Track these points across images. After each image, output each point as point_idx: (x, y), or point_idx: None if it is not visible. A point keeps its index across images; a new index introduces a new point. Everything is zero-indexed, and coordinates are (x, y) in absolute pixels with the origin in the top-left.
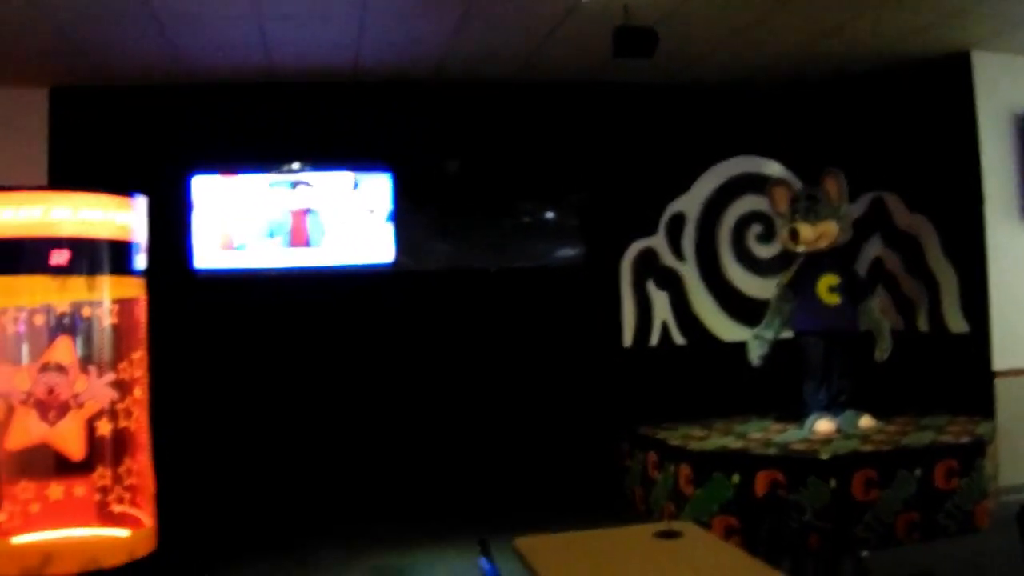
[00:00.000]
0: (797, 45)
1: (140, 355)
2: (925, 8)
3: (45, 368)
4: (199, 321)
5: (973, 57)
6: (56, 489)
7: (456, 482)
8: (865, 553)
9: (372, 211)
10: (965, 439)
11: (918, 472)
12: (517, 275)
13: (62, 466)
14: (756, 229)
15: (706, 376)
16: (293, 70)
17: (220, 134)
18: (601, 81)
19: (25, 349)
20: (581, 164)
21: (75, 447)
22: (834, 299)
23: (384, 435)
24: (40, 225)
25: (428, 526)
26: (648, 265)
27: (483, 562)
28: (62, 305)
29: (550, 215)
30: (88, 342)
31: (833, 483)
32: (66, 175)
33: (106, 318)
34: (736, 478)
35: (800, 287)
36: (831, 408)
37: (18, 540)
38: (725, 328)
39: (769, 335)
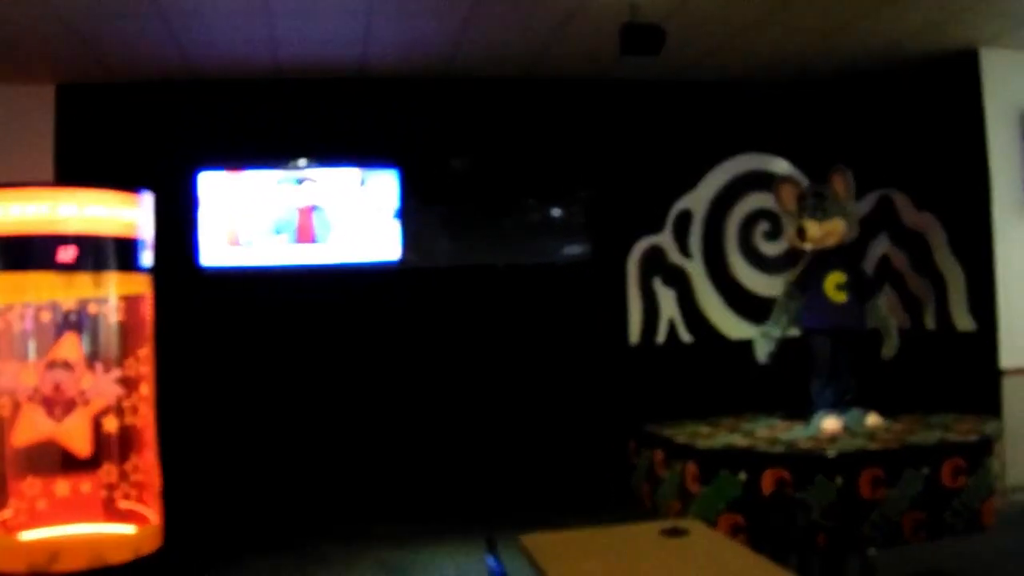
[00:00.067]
0: (804, 42)
1: (146, 352)
2: (933, 5)
3: (52, 365)
4: (205, 318)
5: (981, 54)
6: (63, 485)
7: (463, 479)
8: (872, 551)
9: (379, 208)
10: (972, 437)
11: (925, 470)
12: (524, 272)
13: (69, 463)
14: (763, 227)
15: (713, 374)
16: (300, 66)
17: (227, 131)
18: (608, 78)
19: (32, 346)
20: (588, 161)
21: (81, 444)
22: (841, 297)
23: (389, 432)
24: (47, 222)
25: (434, 523)
26: (655, 262)
27: (490, 559)
28: (69, 302)
29: (557, 212)
30: (95, 339)
31: (840, 481)
32: (73, 172)
33: (112, 315)
34: (743, 476)
35: (807, 285)
36: (838, 406)
37: (25, 536)
38: (732, 326)
39: (776, 333)
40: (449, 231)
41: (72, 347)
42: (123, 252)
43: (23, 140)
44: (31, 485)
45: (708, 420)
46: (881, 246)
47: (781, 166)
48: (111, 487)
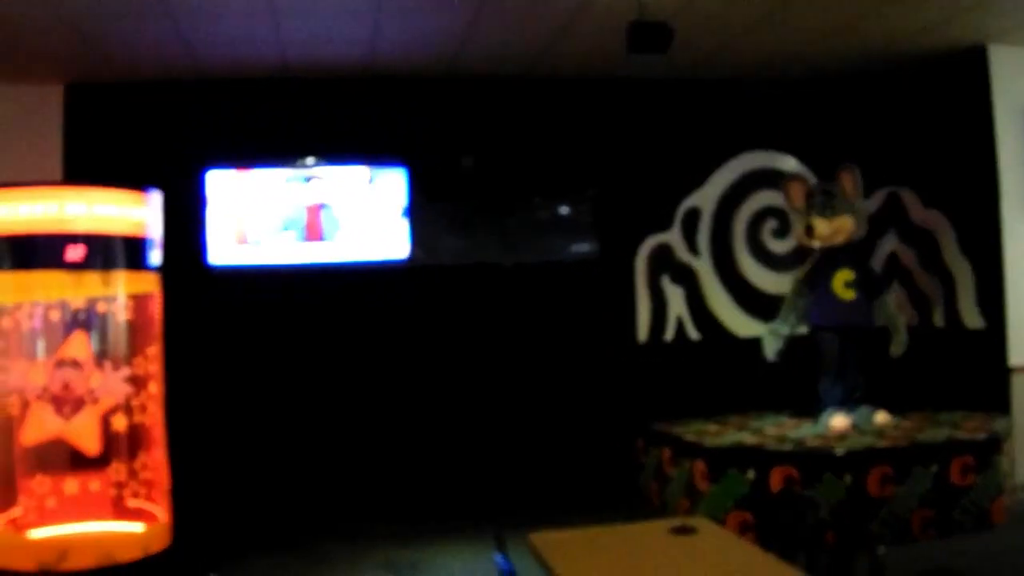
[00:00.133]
0: (812, 40)
1: (155, 350)
2: (942, 2)
3: (60, 363)
4: (213, 316)
5: (989, 51)
6: (72, 484)
7: (471, 478)
8: (881, 549)
9: (387, 206)
10: (981, 435)
11: (934, 468)
12: (532, 270)
13: (77, 461)
14: (771, 224)
15: (721, 371)
16: (307, 65)
17: (234, 129)
18: (615, 76)
19: (41, 344)
20: (596, 159)
21: (90, 442)
22: (849, 294)
23: (397, 431)
24: (55, 221)
25: (442, 522)
26: (663, 260)
27: (498, 558)
28: (77, 300)
29: (565, 210)
30: (103, 337)
31: (848, 479)
32: (81, 171)
33: (121, 313)
34: (751, 474)
35: (815, 282)
36: (846, 404)
37: (34, 534)
38: (740, 323)
39: (784, 330)
40: (457, 229)
41: (81, 346)
42: (131, 251)
43: (32, 139)
44: (40, 483)
45: (716, 418)
46: (889, 243)
47: (789, 164)
48: (120, 485)
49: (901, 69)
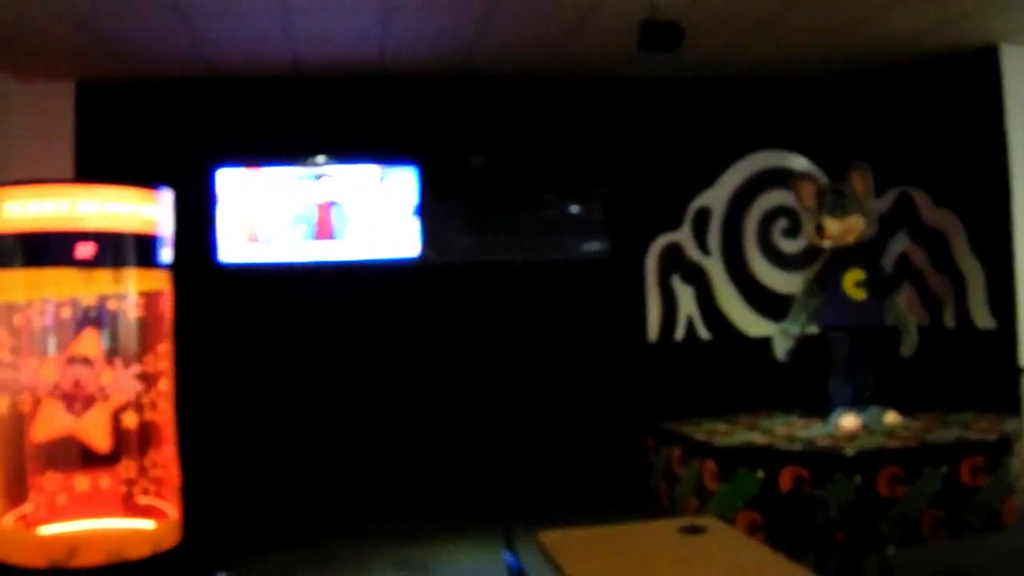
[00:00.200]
0: (823, 38)
1: (165, 348)
2: (953, 1)
3: (71, 360)
4: (224, 314)
5: (1001, 51)
6: (82, 481)
7: (480, 476)
8: (891, 550)
9: (398, 204)
10: (992, 436)
11: (944, 469)
12: (542, 269)
13: (88, 458)
14: (782, 224)
15: (731, 371)
16: (318, 63)
17: (245, 127)
18: (626, 75)
19: (52, 342)
20: (606, 158)
21: (101, 439)
22: (860, 294)
23: (408, 429)
24: (66, 218)
25: (452, 520)
26: (673, 259)
27: (507, 556)
28: (88, 298)
29: (575, 209)
30: (114, 335)
31: (858, 479)
32: (92, 168)
33: (132, 311)
34: (761, 474)
35: (826, 282)
36: (856, 404)
37: (45, 531)
38: (750, 323)
39: (794, 330)
40: (468, 228)
41: (92, 343)
42: (142, 248)
43: (43, 137)
44: (51, 480)
45: (726, 418)
46: (900, 243)
47: (800, 163)
48: (130, 482)
49: (912, 68)
